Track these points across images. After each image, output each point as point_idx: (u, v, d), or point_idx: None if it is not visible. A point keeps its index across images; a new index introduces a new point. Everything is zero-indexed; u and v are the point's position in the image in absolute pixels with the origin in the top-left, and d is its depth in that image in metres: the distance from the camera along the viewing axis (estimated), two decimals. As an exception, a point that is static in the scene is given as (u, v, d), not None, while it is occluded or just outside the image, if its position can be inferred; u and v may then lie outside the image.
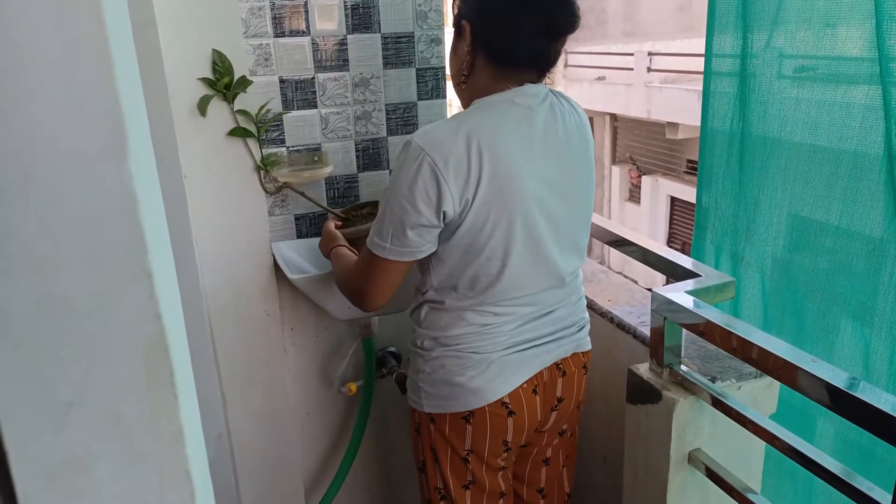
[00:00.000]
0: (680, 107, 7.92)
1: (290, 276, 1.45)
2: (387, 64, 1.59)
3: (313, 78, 1.56)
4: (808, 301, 1.33)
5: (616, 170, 10.87)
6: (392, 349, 1.79)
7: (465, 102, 1.20)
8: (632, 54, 9.05)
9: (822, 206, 1.33)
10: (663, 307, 1.25)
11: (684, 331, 1.36)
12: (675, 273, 1.42)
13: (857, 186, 1.26)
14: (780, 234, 1.37)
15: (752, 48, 1.44)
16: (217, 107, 1.45)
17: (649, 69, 8.85)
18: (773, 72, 1.45)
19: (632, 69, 9.04)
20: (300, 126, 1.58)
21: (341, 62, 1.57)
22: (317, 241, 1.65)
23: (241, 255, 1.56)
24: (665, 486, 1.34)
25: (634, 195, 10.74)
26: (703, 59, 1.51)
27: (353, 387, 1.73)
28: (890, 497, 0.94)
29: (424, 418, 1.28)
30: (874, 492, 0.98)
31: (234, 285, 1.56)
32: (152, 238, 0.32)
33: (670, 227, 9.99)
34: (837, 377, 1.00)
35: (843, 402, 0.98)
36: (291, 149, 1.59)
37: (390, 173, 1.37)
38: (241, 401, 1.64)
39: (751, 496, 1.22)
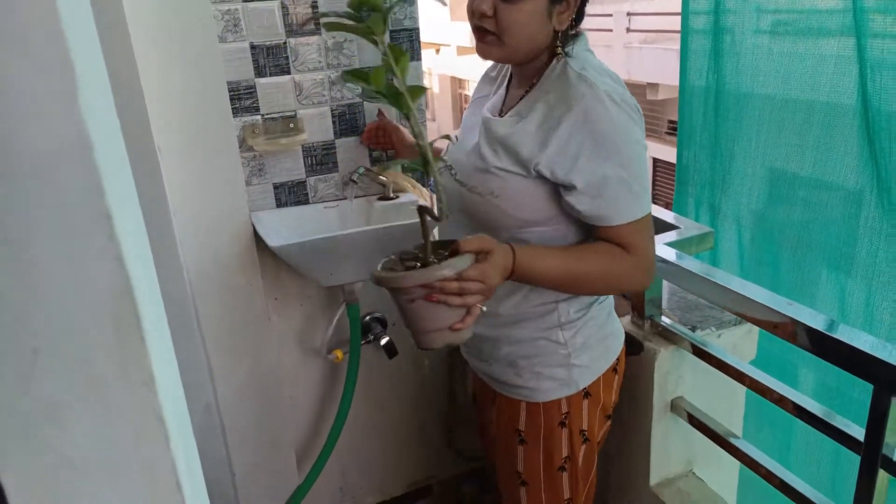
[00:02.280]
0: (660, 67, 7.88)
1: (270, 244, 1.44)
2: (359, 26, 1.56)
3: (285, 43, 1.53)
4: (783, 250, 1.35)
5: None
6: (378, 315, 1.79)
7: (523, 70, 1.09)
8: (610, 15, 8.97)
9: (795, 157, 1.33)
10: (643, 259, 1.26)
11: (665, 282, 1.38)
12: (656, 227, 1.43)
13: (830, 136, 1.26)
14: (756, 185, 1.38)
15: (728, 4, 1.44)
16: (188, 77, 1.42)
17: (628, 29, 8.78)
18: (750, 27, 1.44)
19: (611, 30, 8.96)
20: (274, 93, 1.55)
21: (313, 26, 1.54)
22: (297, 210, 1.64)
23: (220, 227, 1.54)
24: (649, 433, 1.37)
25: (616, 158, 10.71)
26: (681, 17, 1.50)
27: (340, 354, 1.73)
28: (863, 431, 0.96)
29: (577, 400, 1.15)
30: (850, 428, 1.00)
31: (214, 257, 1.55)
32: (111, 180, 0.31)
33: (654, 189, 10.02)
34: (815, 319, 1.02)
35: (821, 344, 1.00)
36: (266, 116, 1.57)
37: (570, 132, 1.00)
38: (228, 371, 1.64)
39: (733, 440, 1.25)
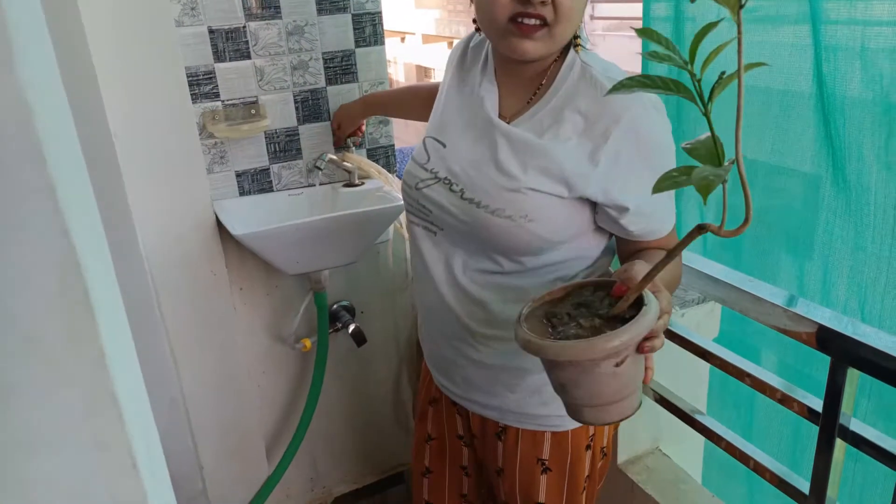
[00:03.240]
0: (624, 54, 7.94)
1: (234, 233, 1.42)
2: (320, 10, 1.54)
3: (244, 27, 1.50)
4: (746, 232, 1.37)
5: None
6: (345, 303, 1.78)
7: (523, 68, 0.95)
8: None
9: (755, 142, 1.36)
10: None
11: (630, 264, 1.39)
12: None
13: (787, 121, 1.29)
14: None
15: None
16: (144, 62, 1.39)
17: (592, 17, 8.83)
18: (711, 15, 1.46)
19: (575, 18, 9.01)
20: (234, 78, 1.52)
21: (273, 10, 1.51)
22: (261, 198, 1.61)
23: (181, 216, 1.51)
24: (616, 414, 1.38)
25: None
26: (642, 4, 1.52)
27: (308, 343, 1.72)
28: (821, 402, 0.99)
29: (584, 432, 1.07)
30: (809, 400, 1.03)
31: (177, 247, 1.52)
32: (53, 150, 0.30)
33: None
34: (775, 295, 1.04)
35: (781, 319, 1.02)
36: (227, 103, 1.54)
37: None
38: (193, 364, 1.61)
39: (698, 417, 1.28)
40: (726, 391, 1.44)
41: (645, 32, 0.54)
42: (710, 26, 0.50)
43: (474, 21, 0.96)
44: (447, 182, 0.95)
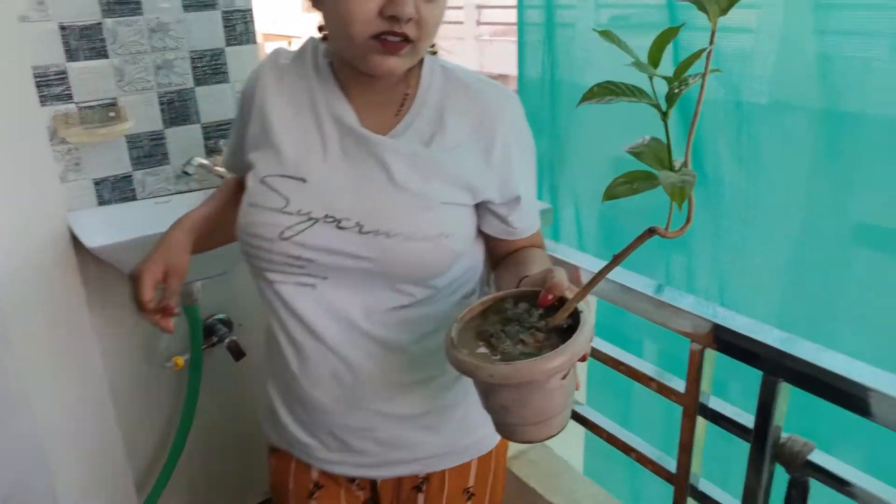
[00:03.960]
0: (510, 59, 8.19)
1: (89, 245, 1.31)
2: (187, 7, 1.46)
3: (100, 24, 1.40)
4: (618, 225, 1.45)
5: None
6: (221, 316, 1.68)
7: (381, 79, 0.86)
8: (461, 7, 9.22)
9: (628, 140, 1.43)
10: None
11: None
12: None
13: (648, 124, 1.37)
14: (593, 168, 1.47)
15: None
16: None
17: (479, 22, 9.07)
18: (588, 21, 1.53)
19: (462, 23, 9.21)
20: (90, 78, 1.41)
21: (133, 5, 1.41)
22: (123, 207, 1.50)
23: (30, 229, 1.37)
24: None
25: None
26: (517, 11, 1.57)
27: (180, 361, 1.61)
28: (684, 383, 1.06)
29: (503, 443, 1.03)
30: (674, 382, 1.10)
31: (25, 265, 1.37)
32: None
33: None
34: (645, 285, 1.10)
35: (650, 305, 1.08)
36: (82, 105, 1.42)
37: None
38: (49, 393, 1.46)
39: (577, 407, 1.32)
40: (606, 380, 1.50)
41: (605, 35, 0.54)
42: (670, 32, 0.51)
43: (320, 29, 0.87)
44: (331, 220, 0.82)
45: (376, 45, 0.76)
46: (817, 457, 0.92)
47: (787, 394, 0.94)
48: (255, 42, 1.56)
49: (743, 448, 1.00)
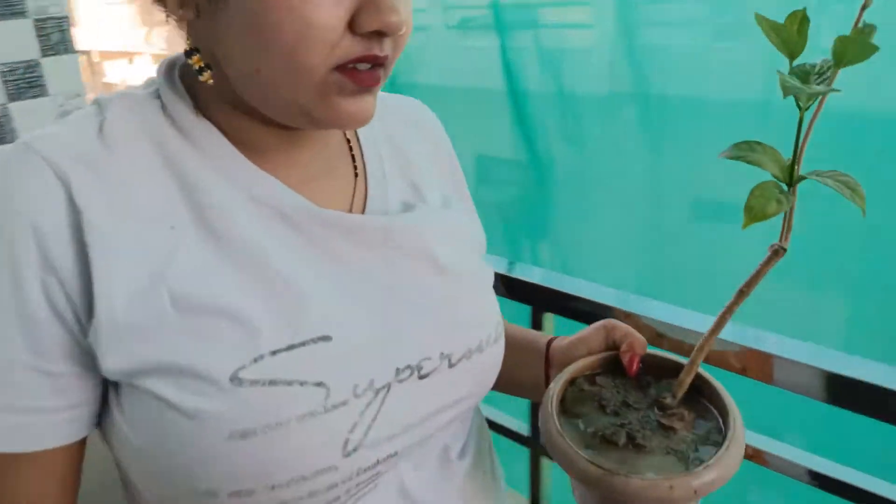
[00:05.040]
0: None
1: None
2: (-11, 15, 1.33)
3: None
4: (488, 221, 1.50)
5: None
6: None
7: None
8: None
9: (485, 141, 1.48)
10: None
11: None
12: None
13: (500, 120, 1.43)
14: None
15: (419, 3, 1.54)
16: None
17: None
18: (441, 23, 1.56)
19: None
20: None
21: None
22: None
23: None
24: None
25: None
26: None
27: None
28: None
29: None
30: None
31: None
32: None
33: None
34: (499, 264, 1.14)
35: (503, 283, 1.12)
36: None
37: None
38: None
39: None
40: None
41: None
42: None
43: (189, 53, 0.51)
44: (408, 372, 0.52)
45: (341, 81, 0.46)
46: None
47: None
48: (73, 52, 1.45)
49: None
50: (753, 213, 0.38)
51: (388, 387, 0.50)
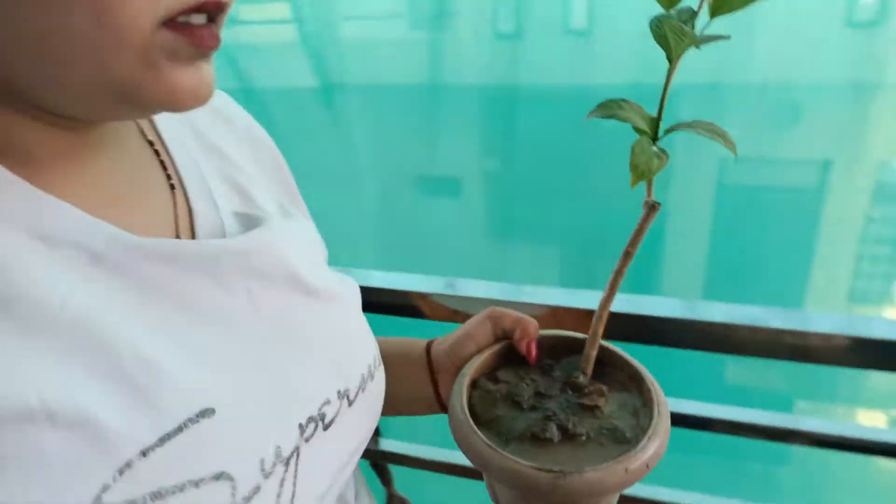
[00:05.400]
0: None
1: None
2: None
3: None
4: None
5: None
6: None
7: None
8: None
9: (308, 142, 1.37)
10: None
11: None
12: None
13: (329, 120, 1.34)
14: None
15: None
16: None
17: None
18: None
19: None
20: None
21: None
22: None
23: None
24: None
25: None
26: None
27: None
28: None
29: None
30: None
31: None
32: None
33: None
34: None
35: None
36: None
37: None
38: None
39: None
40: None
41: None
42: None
43: None
44: (311, 423, 0.41)
45: (173, 42, 0.33)
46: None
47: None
48: None
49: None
50: (640, 171, 0.37)
51: (297, 451, 0.39)
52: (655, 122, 0.41)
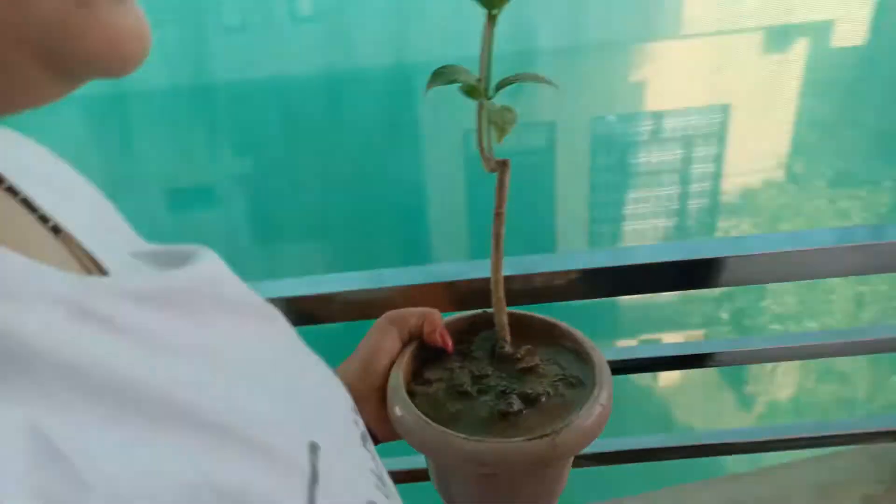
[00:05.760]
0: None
1: None
2: None
3: None
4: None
5: None
6: None
7: None
8: None
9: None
10: None
11: None
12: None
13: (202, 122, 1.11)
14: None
15: None
16: None
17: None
18: None
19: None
20: None
21: None
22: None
23: None
24: None
25: None
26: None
27: None
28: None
29: None
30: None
31: None
32: None
33: None
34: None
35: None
36: None
37: None
38: None
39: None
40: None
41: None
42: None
43: None
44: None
45: None
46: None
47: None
48: None
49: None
50: (500, 126, 0.39)
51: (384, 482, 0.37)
52: (486, 80, 0.41)
